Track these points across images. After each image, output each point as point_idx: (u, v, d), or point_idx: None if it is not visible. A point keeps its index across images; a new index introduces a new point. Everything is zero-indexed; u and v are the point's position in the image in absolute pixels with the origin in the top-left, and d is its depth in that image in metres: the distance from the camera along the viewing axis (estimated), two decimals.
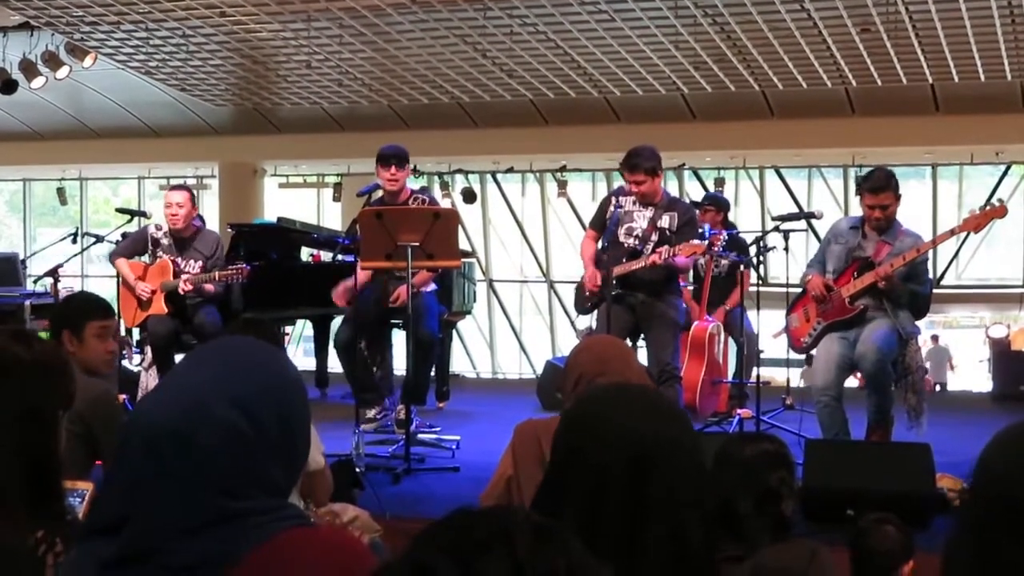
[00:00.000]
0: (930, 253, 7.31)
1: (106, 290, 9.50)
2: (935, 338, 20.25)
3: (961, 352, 21.47)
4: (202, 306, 8.59)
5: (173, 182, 17.45)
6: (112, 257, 8.92)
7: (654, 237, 7.67)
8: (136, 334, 9.03)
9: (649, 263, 7.49)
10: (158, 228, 8.77)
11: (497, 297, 21.47)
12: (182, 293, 8.43)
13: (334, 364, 9.36)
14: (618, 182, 14.98)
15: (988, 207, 7.23)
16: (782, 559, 3.24)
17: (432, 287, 8.36)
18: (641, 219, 7.73)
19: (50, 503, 2.51)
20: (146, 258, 8.79)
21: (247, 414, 1.81)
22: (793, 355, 8.34)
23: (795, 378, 9.51)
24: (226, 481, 1.78)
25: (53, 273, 9.64)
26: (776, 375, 12.76)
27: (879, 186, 7.23)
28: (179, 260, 8.59)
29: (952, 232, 7.47)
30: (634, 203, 7.79)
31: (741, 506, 3.44)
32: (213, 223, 13.48)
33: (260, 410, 1.83)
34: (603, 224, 7.90)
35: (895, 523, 4.32)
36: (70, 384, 2.73)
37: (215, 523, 1.76)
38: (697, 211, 9.84)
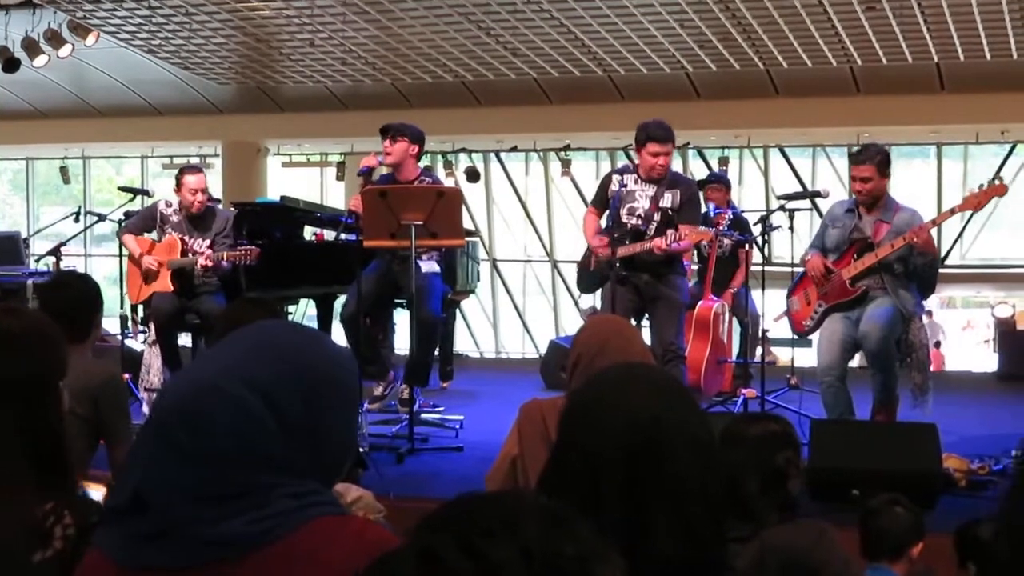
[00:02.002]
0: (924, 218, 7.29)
1: (109, 269, 9.49)
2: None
3: (966, 332, 21.47)
4: (210, 292, 8.56)
5: (177, 161, 17.47)
6: (120, 233, 8.89)
7: (657, 217, 7.63)
8: (141, 311, 9.01)
9: (654, 247, 7.45)
10: (168, 205, 8.72)
11: (500, 276, 21.46)
12: (200, 271, 8.39)
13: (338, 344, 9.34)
14: (622, 161, 14.96)
15: (988, 186, 7.23)
16: (789, 538, 3.23)
17: (437, 268, 8.32)
18: (643, 198, 7.69)
19: (55, 475, 2.50)
20: (154, 235, 8.77)
21: (264, 396, 1.79)
22: (791, 335, 8.32)
23: (800, 358, 9.49)
24: (238, 459, 1.76)
25: (55, 252, 9.63)
26: (781, 355, 12.76)
27: (860, 159, 7.28)
28: (187, 238, 8.57)
29: (952, 211, 7.45)
30: (636, 181, 7.74)
31: (748, 486, 3.43)
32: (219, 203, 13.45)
33: (279, 393, 1.81)
34: (604, 202, 7.86)
35: (905, 503, 4.31)
36: (63, 353, 2.73)
37: (228, 498, 1.75)
38: (703, 190, 9.84)
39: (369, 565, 1.29)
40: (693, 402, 2.19)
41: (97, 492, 3.35)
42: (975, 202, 7.24)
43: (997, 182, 7.35)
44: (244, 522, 1.74)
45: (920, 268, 7.19)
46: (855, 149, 7.42)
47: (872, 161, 7.21)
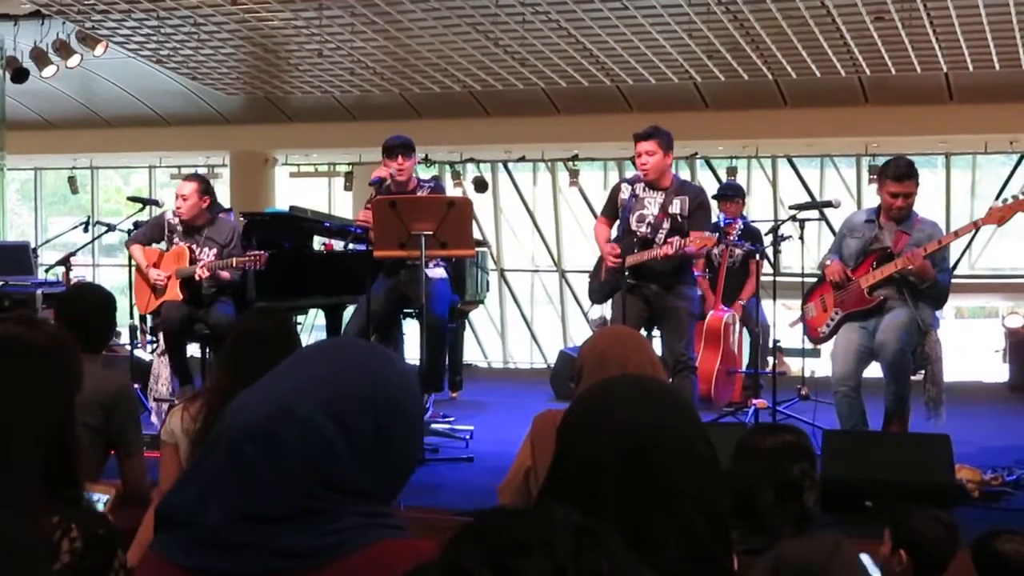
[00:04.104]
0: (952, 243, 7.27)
1: (118, 279, 9.49)
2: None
3: (976, 342, 21.40)
4: (217, 299, 8.56)
5: (185, 171, 17.47)
6: (128, 243, 8.91)
7: (666, 224, 7.63)
8: (149, 321, 9.01)
9: (661, 254, 7.44)
10: (175, 215, 8.75)
11: (508, 286, 21.42)
12: (198, 280, 8.40)
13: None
14: (630, 172, 14.94)
15: (1013, 200, 7.18)
16: (804, 551, 3.20)
17: (444, 275, 8.32)
18: (652, 205, 7.69)
19: (66, 488, 2.49)
20: (163, 245, 8.78)
21: (336, 420, 1.79)
22: (809, 345, 8.30)
23: (810, 368, 9.48)
24: (309, 482, 1.76)
25: (65, 262, 9.63)
26: (793, 365, 12.73)
27: (903, 174, 7.17)
28: (195, 247, 8.58)
29: (975, 224, 7.43)
30: (645, 189, 7.74)
31: (762, 498, 3.40)
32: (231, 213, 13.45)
33: (351, 417, 1.81)
34: (615, 211, 7.87)
35: (944, 518, 4.28)
36: (80, 367, 2.73)
37: (293, 518, 1.74)
38: (723, 202, 9.84)
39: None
40: (692, 413, 2.16)
41: (102, 495, 3.34)
42: (998, 216, 7.21)
43: (1022, 196, 7.33)
44: (313, 535, 1.74)
45: (925, 290, 7.18)
46: (888, 166, 7.31)
47: (914, 176, 7.18)
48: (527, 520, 1.27)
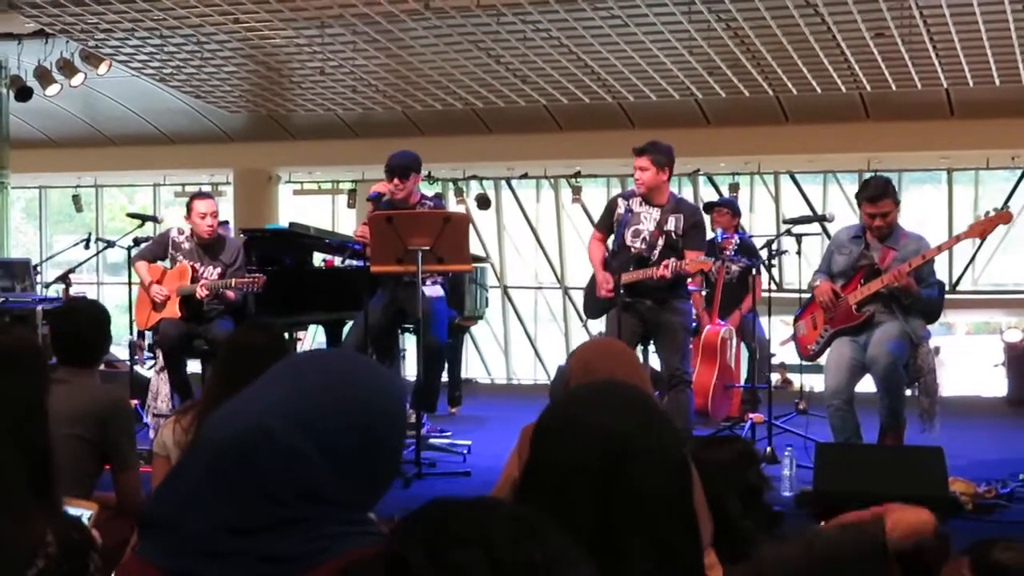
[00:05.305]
0: (936, 256, 7.32)
1: (122, 297, 9.53)
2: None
3: (980, 357, 21.40)
4: (218, 317, 8.58)
5: (189, 189, 17.52)
6: (133, 260, 8.93)
7: (661, 241, 7.65)
8: (148, 337, 9.04)
9: (658, 275, 7.46)
10: (180, 232, 8.77)
11: (512, 303, 21.44)
12: (199, 298, 8.42)
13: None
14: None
15: (994, 213, 7.28)
16: (780, 554, 3.24)
17: (441, 293, 8.33)
18: (648, 221, 7.71)
19: (41, 494, 2.51)
20: (167, 262, 8.80)
21: (313, 432, 1.79)
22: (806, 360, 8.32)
23: (809, 383, 9.49)
24: (287, 496, 1.77)
25: (64, 278, 9.67)
26: (796, 380, 12.74)
27: (877, 194, 7.29)
28: (198, 265, 8.60)
29: (957, 238, 7.50)
30: (641, 204, 7.77)
31: (731, 508, 3.44)
32: (230, 229, 13.49)
33: (329, 428, 1.80)
34: (610, 226, 7.89)
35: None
36: (49, 372, 2.75)
37: (272, 528, 1.75)
38: (710, 214, 9.86)
39: (341, 571, 1.29)
40: (666, 420, 2.14)
41: (82, 511, 3.35)
42: (980, 229, 7.29)
43: (1003, 209, 7.41)
44: (295, 543, 1.75)
45: (910, 305, 7.21)
46: (864, 187, 7.43)
47: (891, 196, 7.27)
48: (464, 511, 1.30)
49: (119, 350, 11.75)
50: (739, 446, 3.74)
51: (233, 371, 4.38)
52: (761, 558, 3.13)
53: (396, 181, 8.17)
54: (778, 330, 8.80)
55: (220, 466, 1.78)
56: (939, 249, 7.28)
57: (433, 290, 8.14)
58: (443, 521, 1.28)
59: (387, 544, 1.29)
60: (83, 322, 4.97)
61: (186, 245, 8.70)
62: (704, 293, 9.80)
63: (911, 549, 4.23)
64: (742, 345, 9.78)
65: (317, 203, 20.46)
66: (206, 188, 17.42)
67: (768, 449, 7.64)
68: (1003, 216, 7.31)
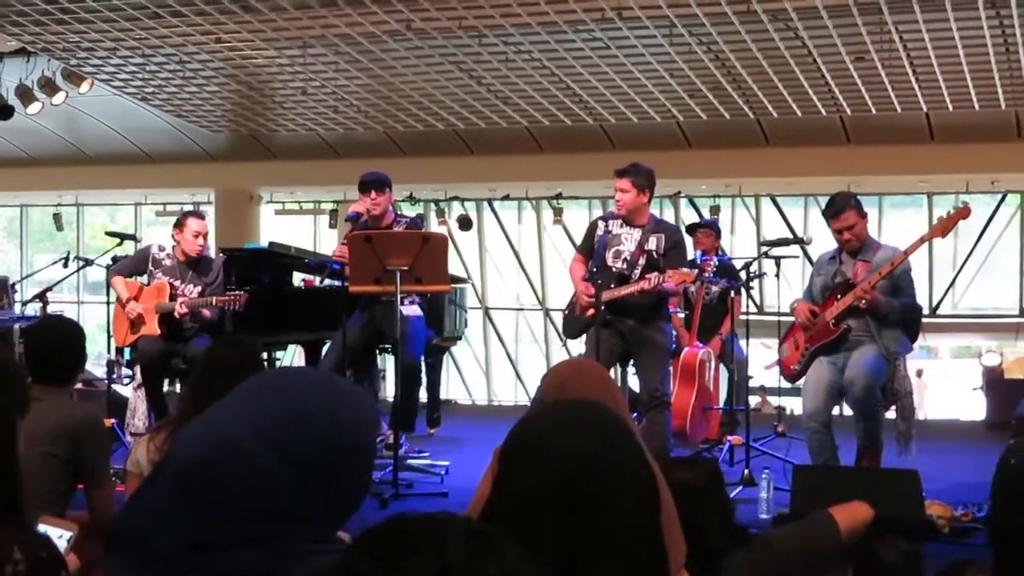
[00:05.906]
0: (912, 265, 7.41)
1: (102, 316, 9.50)
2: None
3: (958, 381, 21.47)
4: (196, 336, 8.57)
5: (170, 208, 17.51)
6: (110, 274, 8.92)
7: (642, 260, 7.67)
8: (127, 354, 9.02)
9: (638, 290, 7.49)
10: (161, 249, 8.77)
11: (493, 324, 21.45)
12: (177, 316, 8.42)
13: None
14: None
15: (954, 210, 7.49)
16: (745, 560, 3.30)
17: (419, 312, 8.34)
18: (629, 242, 7.73)
19: (10, 510, 2.49)
20: (144, 278, 8.79)
21: (279, 450, 1.78)
22: (786, 383, 8.35)
23: (788, 405, 9.49)
24: (253, 513, 1.76)
25: (42, 297, 9.64)
26: (775, 403, 12.74)
27: (838, 209, 7.43)
28: (177, 283, 8.59)
29: (922, 239, 7.60)
30: (621, 226, 7.80)
31: (712, 528, 3.45)
32: (210, 249, 13.48)
33: (298, 447, 1.79)
34: (591, 248, 7.92)
35: (905, 545, 4.34)
36: (26, 389, 2.73)
37: (236, 545, 1.75)
38: (693, 235, 9.89)
39: None
40: (634, 439, 2.12)
41: (65, 531, 3.32)
42: (941, 228, 7.47)
43: (961, 206, 7.61)
44: (261, 559, 1.74)
45: (890, 315, 7.26)
46: (828, 205, 7.55)
47: (849, 207, 7.37)
48: (421, 523, 1.30)
49: (97, 368, 11.71)
50: (710, 466, 3.76)
51: (206, 387, 4.38)
52: (731, 567, 3.15)
53: (373, 194, 8.20)
54: (759, 353, 8.80)
55: (187, 481, 1.78)
56: (906, 253, 7.35)
57: (410, 309, 8.14)
58: (399, 533, 1.28)
59: (344, 556, 1.29)
60: (57, 340, 4.95)
61: (167, 262, 8.69)
62: (683, 315, 9.81)
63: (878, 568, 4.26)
64: (721, 366, 9.77)
65: (299, 223, 20.46)
66: (188, 207, 17.41)
67: (746, 471, 7.63)
68: (962, 212, 7.54)
